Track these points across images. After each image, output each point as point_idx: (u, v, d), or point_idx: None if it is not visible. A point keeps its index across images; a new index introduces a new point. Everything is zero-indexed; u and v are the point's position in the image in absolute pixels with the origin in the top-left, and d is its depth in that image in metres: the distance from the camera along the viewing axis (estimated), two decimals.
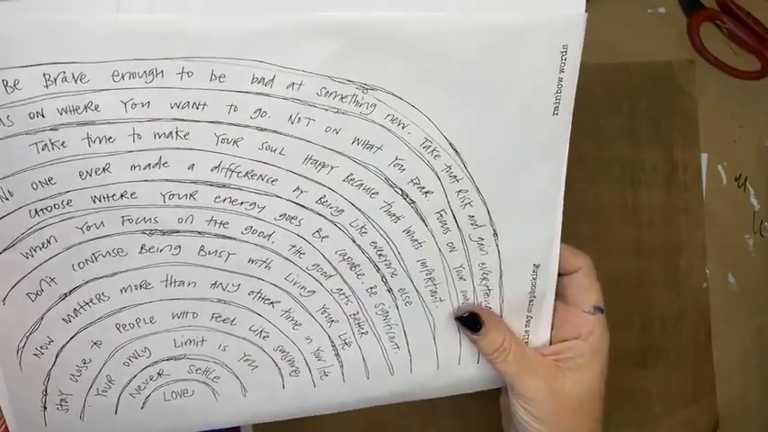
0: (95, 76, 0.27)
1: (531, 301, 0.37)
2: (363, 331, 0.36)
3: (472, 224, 0.34)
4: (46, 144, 0.28)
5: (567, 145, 0.33)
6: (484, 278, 0.36)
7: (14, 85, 0.26)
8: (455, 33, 0.29)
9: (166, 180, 0.30)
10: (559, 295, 0.37)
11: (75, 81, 0.27)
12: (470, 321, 0.36)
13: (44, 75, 0.26)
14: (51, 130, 0.27)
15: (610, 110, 0.44)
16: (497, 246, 0.35)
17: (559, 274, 0.37)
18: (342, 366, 0.36)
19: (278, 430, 0.40)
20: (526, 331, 0.37)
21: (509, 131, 0.32)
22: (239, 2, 0.27)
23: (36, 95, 0.27)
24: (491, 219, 0.34)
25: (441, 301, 0.36)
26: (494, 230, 0.35)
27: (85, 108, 0.27)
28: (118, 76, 0.27)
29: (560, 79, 0.32)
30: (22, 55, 0.26)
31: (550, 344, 0.37)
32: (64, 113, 0.27)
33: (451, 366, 0.38)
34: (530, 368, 0.36)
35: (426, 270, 0.35)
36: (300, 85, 0.29)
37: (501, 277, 0.36)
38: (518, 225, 0.35)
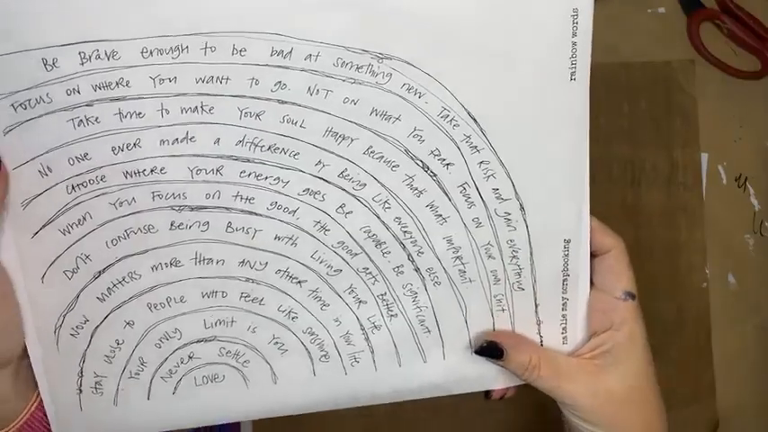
0: (126, 52, 0.29)
1: (565, 280, 0.36)
2: (392, 314, 0.35)
3: (497, 198, 0.34)
4: (81, 120, 0.30)
5: (588, 111, 0.33)
6: (514, 256, 0.35)
7: (53, 64, 0.28)
8: None
9: (194, 155, 0.31)
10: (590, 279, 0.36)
11: (108, 58, 0.29)
12: (490, 351, 0.35)
13: (80, 53, 0.29)
14: (87, 105, 0.29)
15: (610, 110, 0.45)
16: (525, 221, 0.34)
17: (591, 255, 0.35)
18: (372, 352, 0.36)
19: (280, 428, 0.39)
20: (563, 315, 0.36)
21: (526, 98, 0.32)
22: None
23: (73, 73, 0.29)
24: (516, 192, 0.34)
25: (470, 282, 0.35)
26: (520, 204, 0.34)
27: (117, 84, 0.29)
28: (146, 52, 0.29)
29: (574, 43, 0.32)
30: (60, 34, 0.28)
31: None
32: (98, 89, 0.29)
33: None
34: (566, 377, 0.34)
35: (453, 248, 0.34)
36: (317, 56, 0.30)
37: (531, 254, 0.35)
38: (545, 198, 0.34)
